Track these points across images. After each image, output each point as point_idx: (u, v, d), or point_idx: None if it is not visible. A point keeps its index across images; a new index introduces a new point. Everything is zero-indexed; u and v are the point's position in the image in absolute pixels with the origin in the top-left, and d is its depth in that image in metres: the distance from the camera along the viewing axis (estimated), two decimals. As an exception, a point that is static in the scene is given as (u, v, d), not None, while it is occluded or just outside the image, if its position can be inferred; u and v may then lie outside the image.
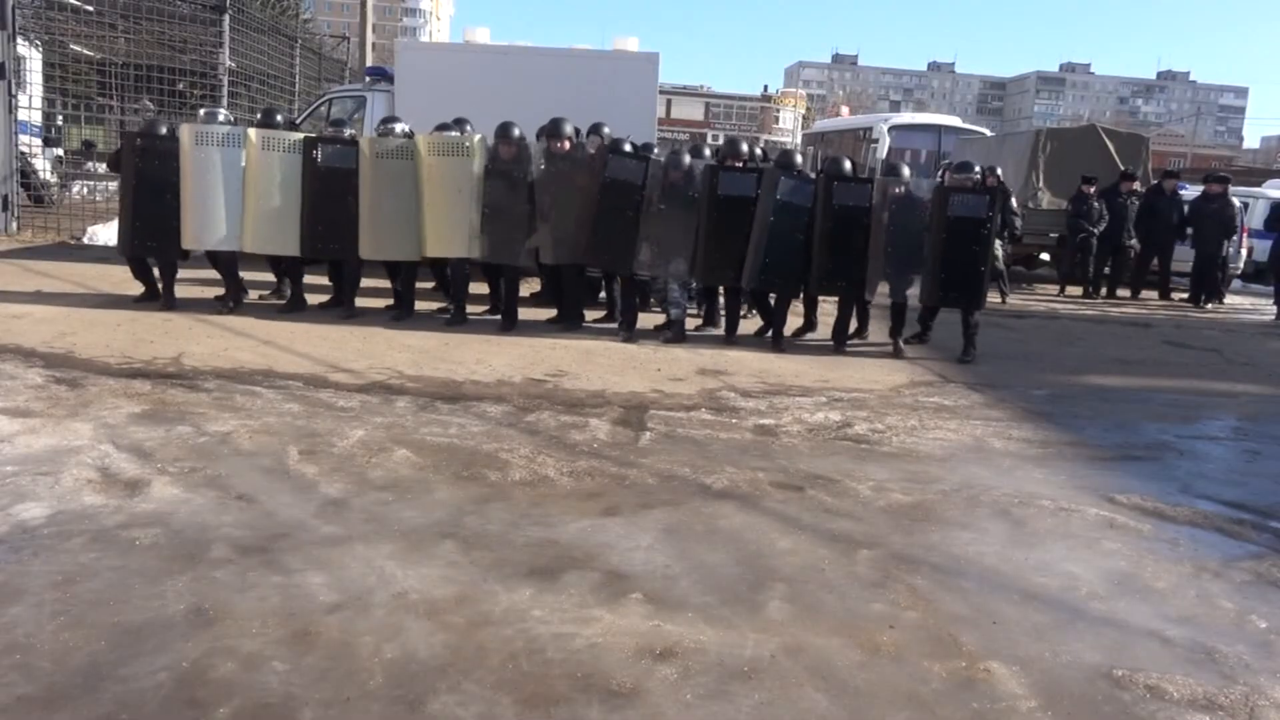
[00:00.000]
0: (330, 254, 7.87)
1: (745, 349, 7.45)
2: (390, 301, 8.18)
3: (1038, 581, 3.46)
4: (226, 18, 13.17)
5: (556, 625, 2.91)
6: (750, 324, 8.19)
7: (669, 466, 4.49)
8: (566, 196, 7.53)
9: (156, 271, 7.84)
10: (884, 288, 7.53)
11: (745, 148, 8.14)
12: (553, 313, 8.13)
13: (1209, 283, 12.66)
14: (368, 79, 12.78)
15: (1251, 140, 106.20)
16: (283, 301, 8.10)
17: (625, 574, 3.30)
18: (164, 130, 7.74)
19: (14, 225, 12.11)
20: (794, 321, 8.03)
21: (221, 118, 7.80)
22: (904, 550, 3.67)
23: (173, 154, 7.51)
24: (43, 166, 14.43)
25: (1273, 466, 5.24)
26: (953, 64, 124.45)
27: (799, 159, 8.01)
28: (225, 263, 7.83)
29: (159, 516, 3.57)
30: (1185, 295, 12.76)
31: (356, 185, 7.57)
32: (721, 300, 8.09)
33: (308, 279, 8.10)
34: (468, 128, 7.87)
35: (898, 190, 7.40)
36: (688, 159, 7.60)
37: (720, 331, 7.92)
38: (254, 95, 15.32)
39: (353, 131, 8.14)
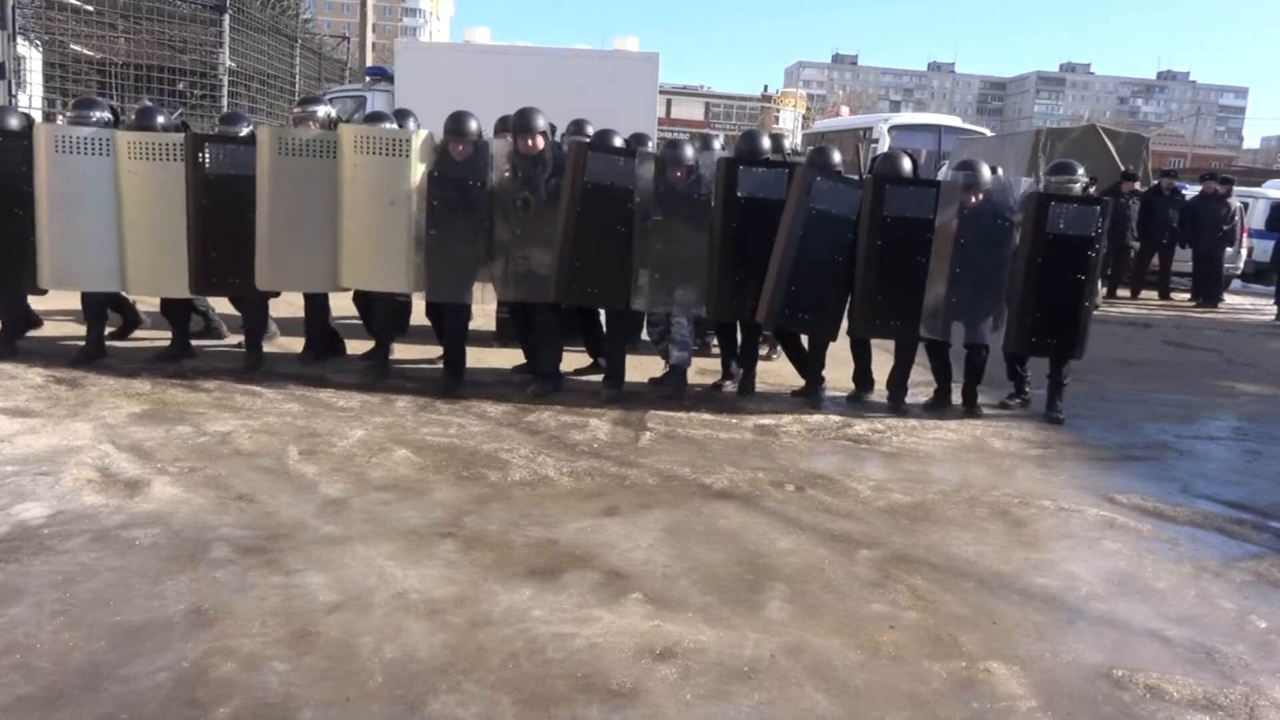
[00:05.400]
0: (229, 290, 6.11)
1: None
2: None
3: (1038, 581, 3.46)
4: (226, 18, 13.19)
5: (556, 625, 2.91)
6: (774, 372, 6.36)
7: (669, 466, 4.50)
8: (539, 212, 5.61)
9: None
10: (957, 329, 5.79)
11: (768, 143, 6.04)
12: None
13: (1207, 284, 12.67)
14: (368, 79, 12.79)
15: (1251, 140, 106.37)
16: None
17: (625, 574, 3.30)
18: (13, 124, 5.80)
19: (14, 225, 12.07)
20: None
21: (96, 117, 5.86)
22: (904, 550, 3.67)
23: (25, 156, 5.69)
24: None
25: (1273, 466, 5.24)
26: (953, 64, 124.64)
27: (836, 156, 5.89)
28: (92, 304, 6.01)
29: (159, 516, 3.57)
30: (1185, 296, 12.78)
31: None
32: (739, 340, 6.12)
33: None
34: (410, 122, 6.23)
35: (974, 197, 5.61)
36: (690, 151, 5.68)
37: (735, 387, 6.04)
38: (254, 95, 15.33)
39: (252, 127, 6.16)
